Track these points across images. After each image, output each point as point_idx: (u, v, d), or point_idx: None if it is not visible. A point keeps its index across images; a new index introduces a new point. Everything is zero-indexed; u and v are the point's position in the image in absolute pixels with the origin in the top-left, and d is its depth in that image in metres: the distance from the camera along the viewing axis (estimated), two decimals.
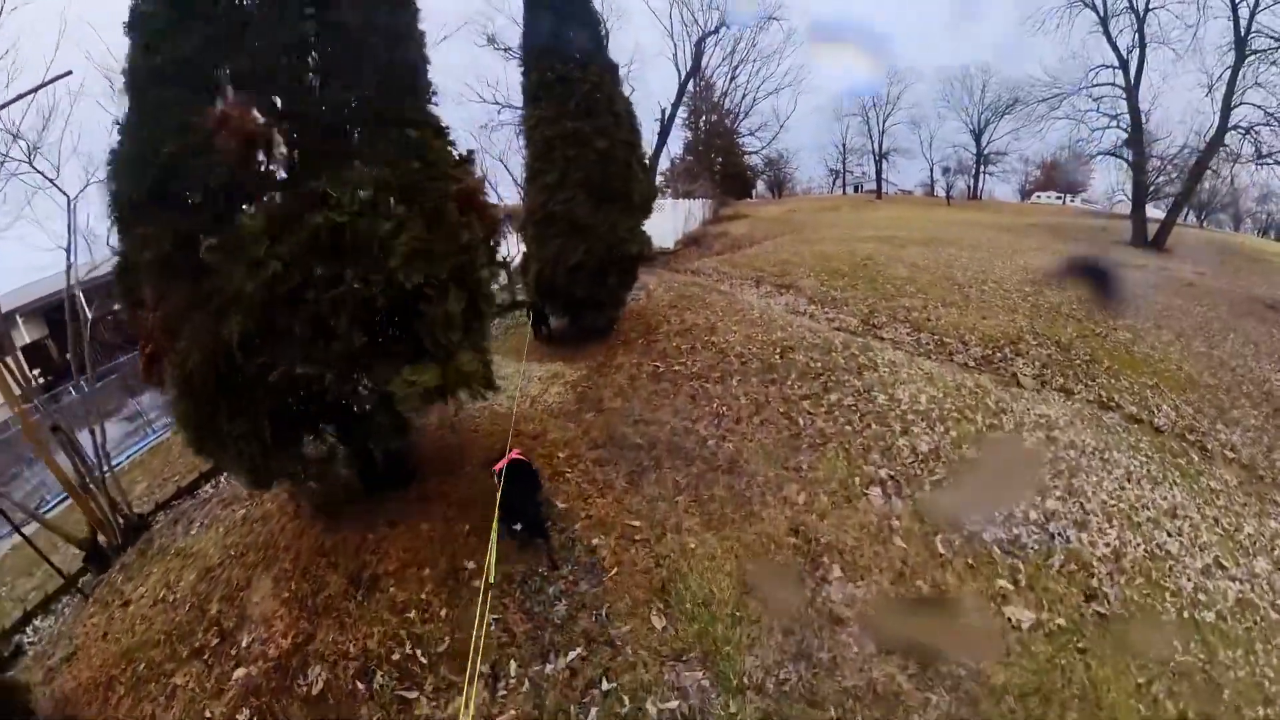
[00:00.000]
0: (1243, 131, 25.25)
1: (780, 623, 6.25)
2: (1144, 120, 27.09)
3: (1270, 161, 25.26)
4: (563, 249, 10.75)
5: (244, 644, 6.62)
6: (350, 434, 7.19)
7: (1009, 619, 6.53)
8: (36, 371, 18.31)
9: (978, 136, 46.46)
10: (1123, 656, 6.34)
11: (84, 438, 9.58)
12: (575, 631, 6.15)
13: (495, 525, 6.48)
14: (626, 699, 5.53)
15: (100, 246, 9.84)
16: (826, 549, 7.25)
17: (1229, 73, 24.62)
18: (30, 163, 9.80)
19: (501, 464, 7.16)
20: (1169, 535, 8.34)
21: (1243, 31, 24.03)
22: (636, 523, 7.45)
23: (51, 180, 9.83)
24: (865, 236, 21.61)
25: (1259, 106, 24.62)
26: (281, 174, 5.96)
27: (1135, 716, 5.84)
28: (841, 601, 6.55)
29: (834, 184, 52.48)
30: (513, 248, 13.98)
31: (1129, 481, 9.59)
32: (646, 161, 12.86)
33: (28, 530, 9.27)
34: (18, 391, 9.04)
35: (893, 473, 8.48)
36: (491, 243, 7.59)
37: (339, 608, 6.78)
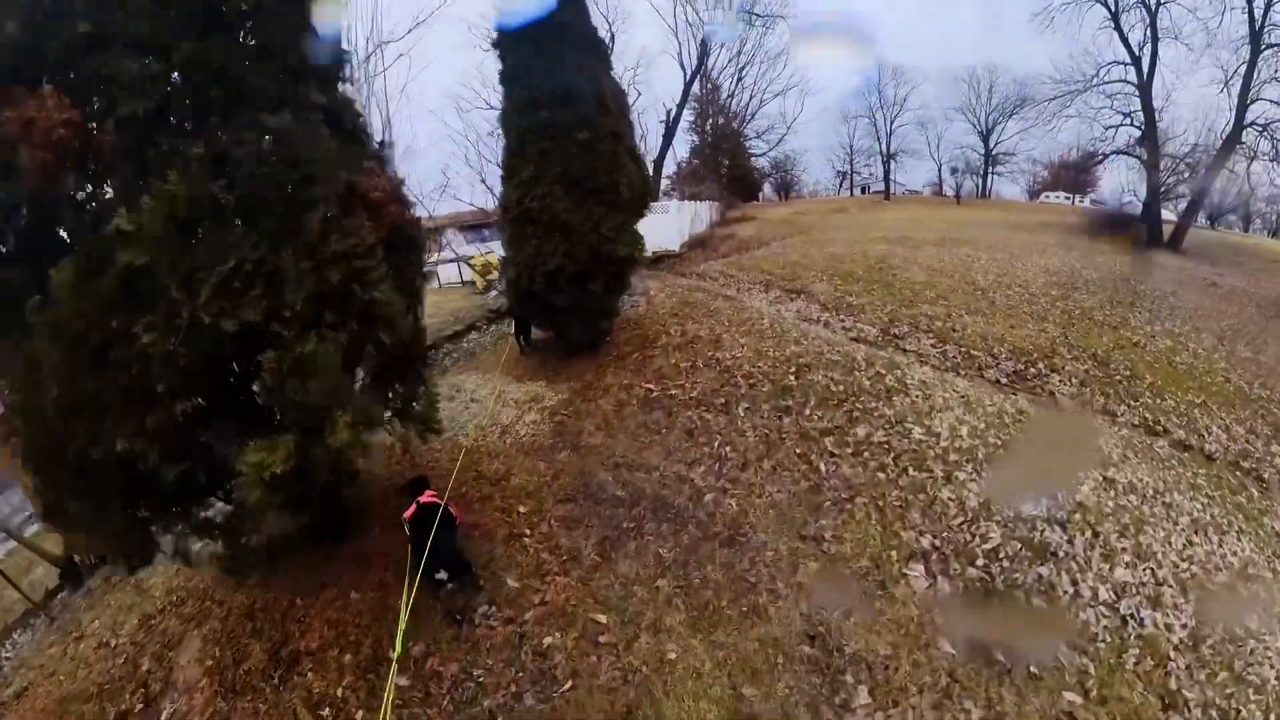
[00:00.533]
0: (1259, 129, 22.20)
1: None
2: (1157, 118, 24.09)
3: None
4: (539, 251, 8.53)
5: (164, 716, 5.65)
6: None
7: None
8: None
9: (985, 137, 42.17)
10: None
11: None
12: None
13: (405, 602, 5.19)
14: None
15: None
16: (851, 662, 5.02)
17: (1244, 68, 21.66)
18: None
19: (410, 512, 5.71)
20: (1246, 604, 6.05)
21: (1258, 25, 20.98)
22: (603, 617, 5.36)
23: None
24: (876, 237, 18.90)
25: (1276, 103, 21.57)
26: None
27: None
28: None
29: (841, 185, 48.95)
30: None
31: (1197, 534, 7.06)
32: (646, 156, 10.27)
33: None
34: None
35: (937, 540, 6.21)
36: (412, 249, 5.37)
37: (256, 688, 5.60)
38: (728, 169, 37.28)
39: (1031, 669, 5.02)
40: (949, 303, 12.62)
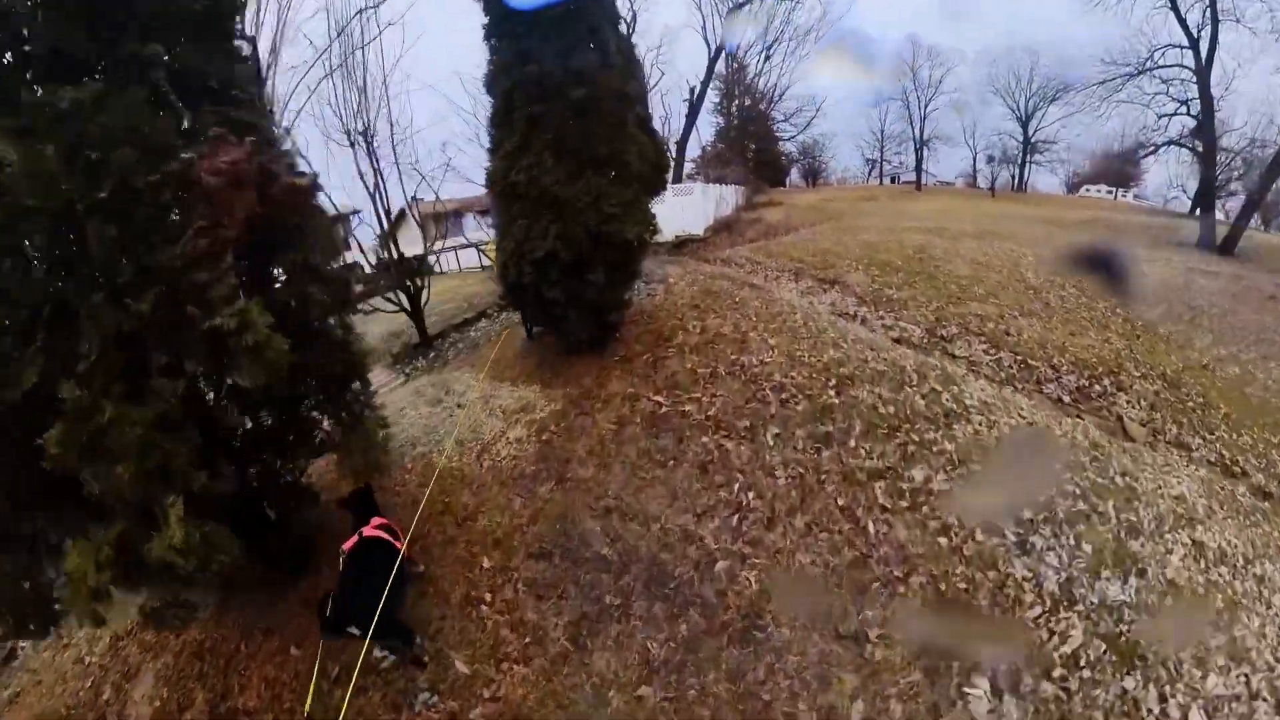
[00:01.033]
0: None
1: None
2: (1215, 108, 19.64)
3: None
4: (528, 234, 6.63)
5: None
6: None
7: None
8: None
9: (1025, 123, 35.56)
10: None
11: None
12: None
13: (317, 667, 3.87)
14: None
15: None
16: None
17: None
18: None
19: (350, 544, 4.37)
20: None
21: None
22: None
23: None
24: (911, 227, 15.81)
25: None
26: None
27: None
28: None
29: (870, 173, 42.53)
30: None
31: None
32: (669, 138, 8.01)
33: None
34: None
35: (1009, 642, 4.31)
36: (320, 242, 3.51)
37: None
38: (754, 153, 33.40)
39: None
40: (1000, 301, 10.08)
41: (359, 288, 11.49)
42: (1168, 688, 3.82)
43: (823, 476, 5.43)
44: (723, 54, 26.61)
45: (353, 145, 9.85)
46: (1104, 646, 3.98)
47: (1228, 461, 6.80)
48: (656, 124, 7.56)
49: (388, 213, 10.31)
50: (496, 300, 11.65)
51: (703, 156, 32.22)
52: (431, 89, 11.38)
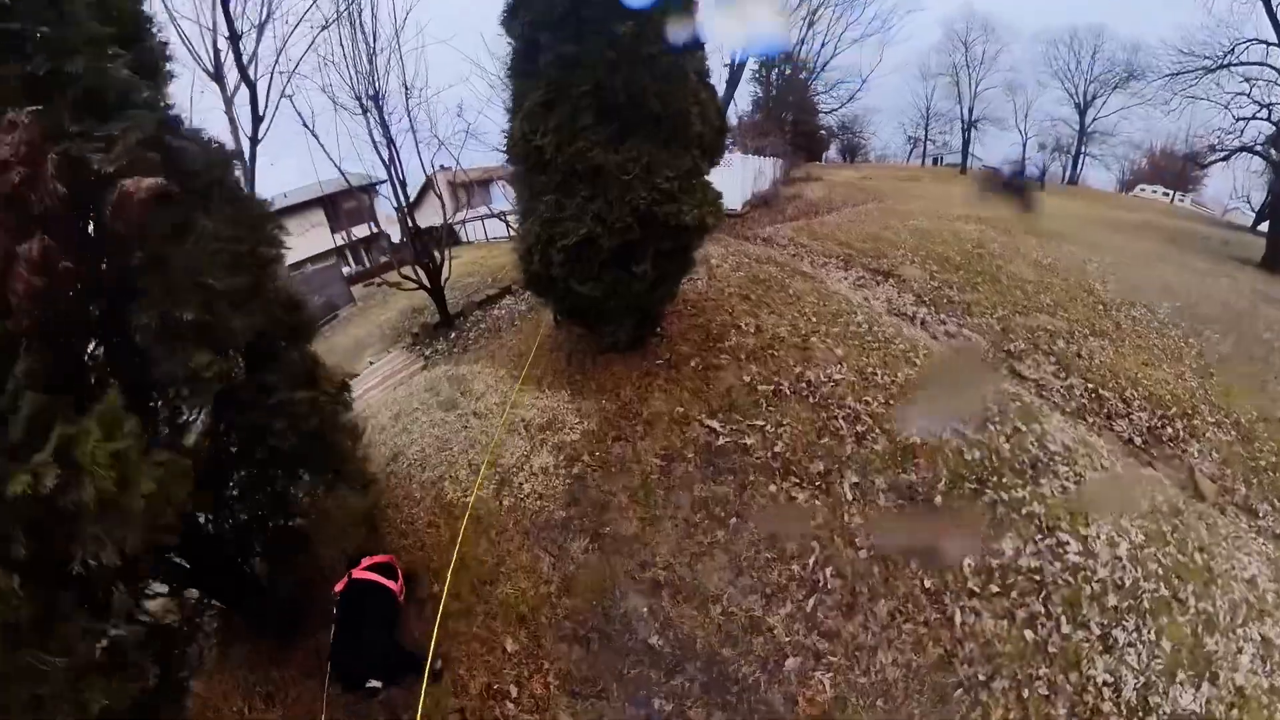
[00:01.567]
0: None
1: None
2: None
3: None
4: (557, 212, 4.80)
5: None
6: None
7: None
8: None
9: (1082, 111, 28.93)
10: None
11: None
12: None
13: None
14: None
15: None
16: None
17: None
18: None
19: (340, 586, 3.51)
20: None
21: None
22: None
23: None
24: (961, 215, 12.96)
25: None
26: None
27: None
28: None
29: (911, 153, 35.60)
30: None
31: None
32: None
33: None
34: None
35: None
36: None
37: None
38: (791, 125, 28.85)
39: None
40: (1069, 315, 8.20)
41: (383, 259, 9.70)
42: None
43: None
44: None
45: (364, 111, 7.76)
46: None
47: None
48: None
49: (403, 183, 8.40)
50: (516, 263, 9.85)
51: (739, 126, 28.16)
52: (447, 45, 8.88)
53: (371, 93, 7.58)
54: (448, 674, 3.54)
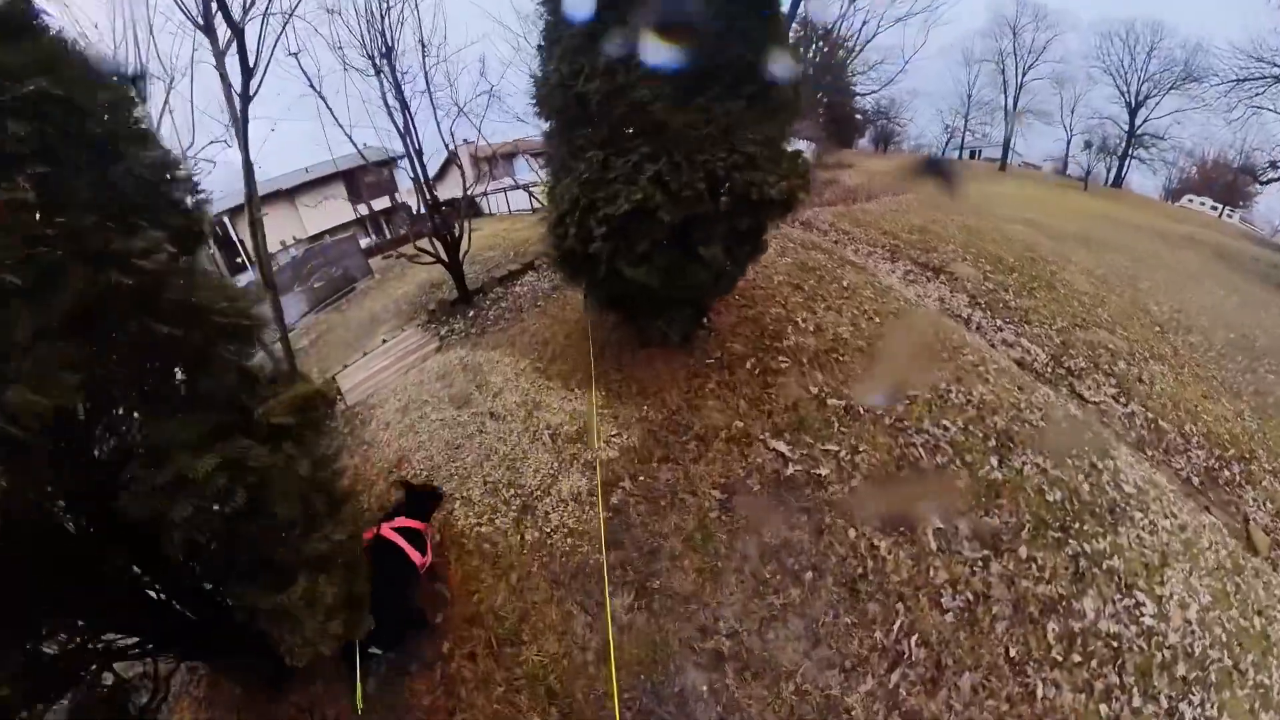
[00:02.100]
0: None
1: None
2: None
3: None
4: (602, 173, 3.32)
5: None
6: None
7: None
8: None
9: (1133, 111, 24.67)
10: None
11: None
12: None
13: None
14: None
15: None
16: None
17: None
18: None
19: (368, 536, 2.95)
20: None
21: None
22: None
23: None
24: (1007, 216, 11.37)
25: None
26: None
27: None
28: None
29: (947, 144, 30.80)
30: None
31: None
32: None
33: None
34: None
35: None
36: None
37: None
38: (826, 108, 25.36)
39: None
40: (1129, 335, 6.93)
41: (401, 230, 8.23)
42: None
43: (994, 607, 3.11)
44: None
45: (378, 72, 6.08)
46: None
47: None
48: None
49: (419, 153, 6.73)
50: (547, 250, 8.40)
51: None
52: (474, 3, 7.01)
53: (384, 49, 5.94)
54: None
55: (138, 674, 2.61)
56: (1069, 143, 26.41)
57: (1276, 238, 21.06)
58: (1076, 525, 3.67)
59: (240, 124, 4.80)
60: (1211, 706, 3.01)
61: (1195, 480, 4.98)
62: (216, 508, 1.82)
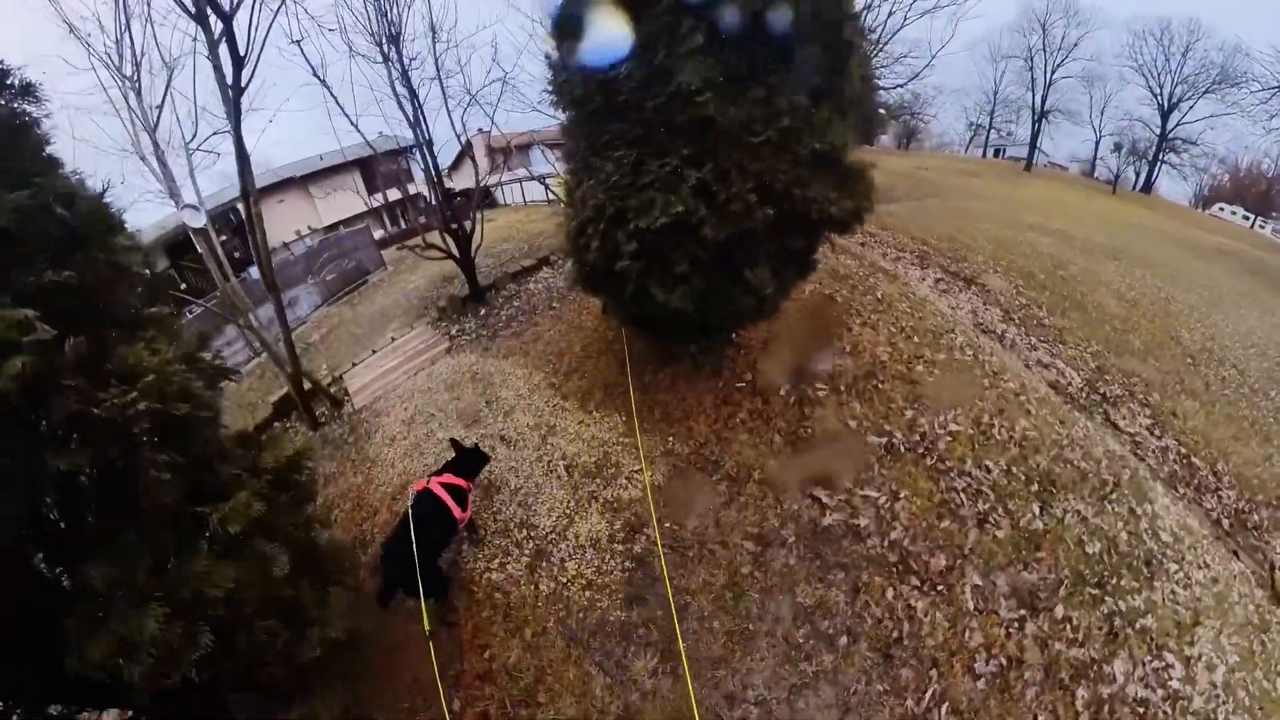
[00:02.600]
0: None
1: None
2: None
3: None
4: (634, 178, 2.73)
5: None
6: None
7: None
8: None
9: (1165, 114, 22.38)
10: None
11: None
12: None
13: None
14: None
15: None
16: None
17: None
18: None
19: (417, 487, 2.97)
20: None
21: None
22: None
23: None
24: (1034, 223, 10.34)
25: None
26: None
27: None
28: None
29: (971, 141, 28.36)
30: None
31: None
32: None
33: None
34: None
35: None
36: None
37: None
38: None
39: None
40: (1160, 365, 6.33)
41: (420, 219, 7.63)
42: None
43: (1026, 673, 2.77)
44: None
45: (385, 59, 5.33)
46: None
47: None
48: None
49: (429, 143, 5.95)
50: (563, 244, 7.79)
51: None
52: None
53: (391, 34, 5.20)
54: None
55: None
56: (1097, 144, 24.29)
57: None
58: (1114, 581, 3.25)
59: (233, 116, 4.22)
60: None
61: (1225, 523, 4.44)
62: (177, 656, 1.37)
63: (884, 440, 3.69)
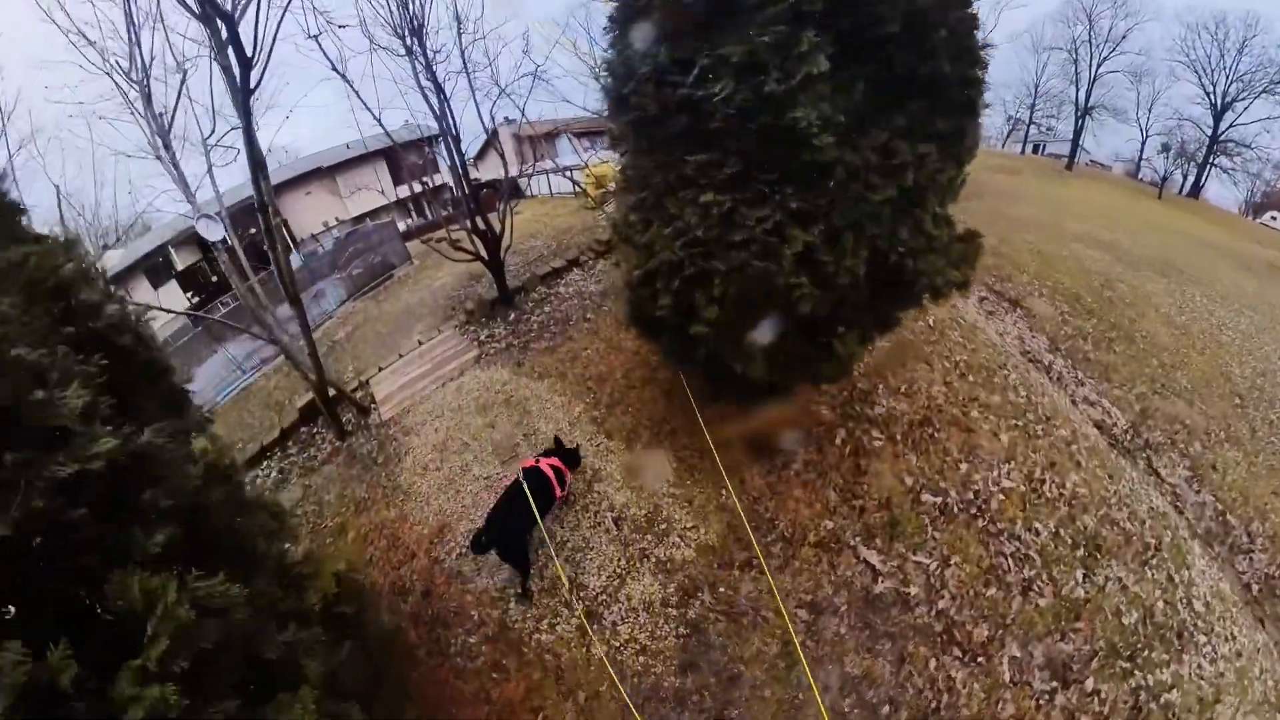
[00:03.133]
0: None
1: None
2: None
3: None
4: (724, 230, 2.08)
5: None
6: None
7: None
8: (189, 293, 12.78)
9: (1217, 114, 19.93)
10: None
11: None
12: None
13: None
14: None
15: None
16: None
17: None
18: None
19: (527, 464, 3.19)
20: None
21: None
22: None
23: None
24: (1078, 232, 9.45)
25: None
26: None
27: None
28: None
29: (1009, 136, 25.69)
30: None
31: None
32: None
33: None
34: None
35: None
36: None
37: None
38: None
39: None
40: (1206, 408, 5.84)
41: (445, 211, 7.02)
42: None
43: None
44: None
45: (409, 51, 4.62)
46: None
47: None
48: None
49: (456, 139, 5.26)
50: (594, 243, 7.20)
51: None
52: None
53: (414, 25, 4.46)
54: None
55: None
56: (1143, 144, 21.56)
57: None
58: (1145, 654, 3.14)
59: (243, 119, 3.64)
60: None
61: (1255, 588, 4.28)
62: None
63: (939, 500, 3.44)
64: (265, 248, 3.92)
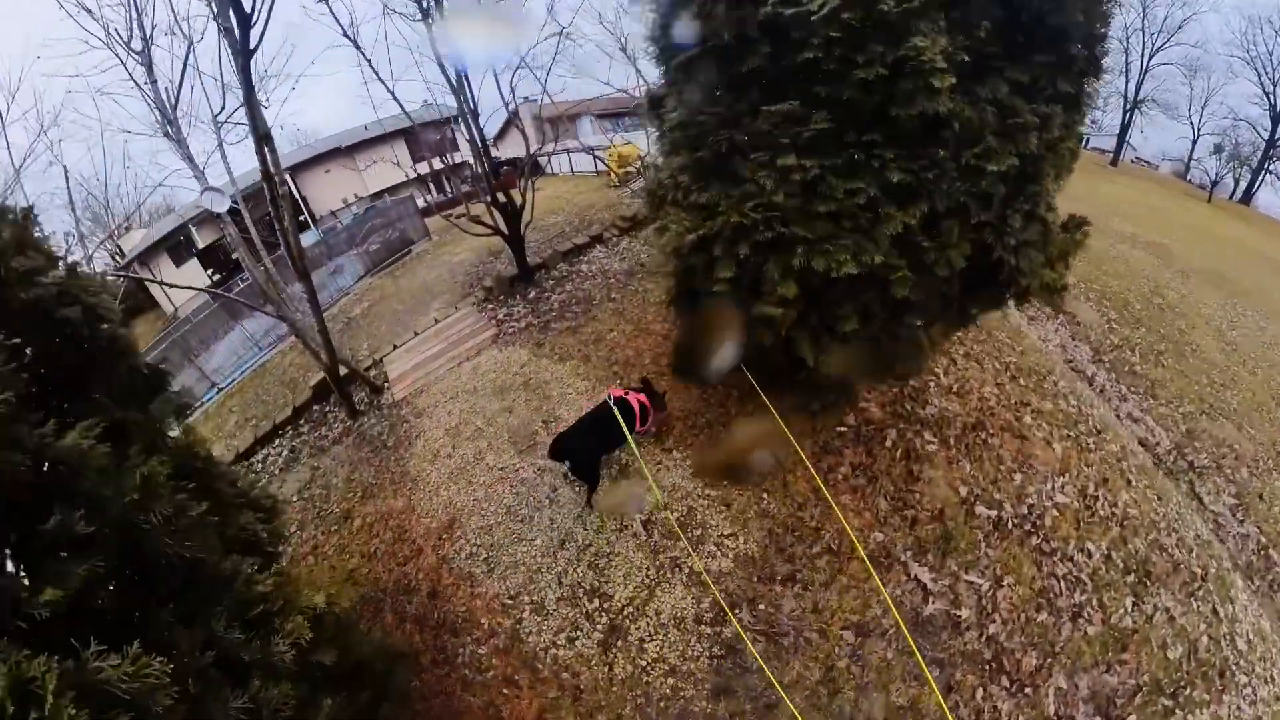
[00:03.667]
0: None
1: None
2: None
3: None
4: (804, 200, 1.53)
5: None
6: None
7: None
8: (210, 270, 12.63)
9: (1276, 117, 17.26)
10: None
11: None
12: None
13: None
14: None
15: None
16: None
17: None
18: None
19: (615, 393, 3.11)
20: None
21: None
22: None
23: None
24: (1125, 232, 8.64)
25: None
26: None
27: None
28: None
29: None
30: None
31: None
32: None
33: None
34: None
35: None
36: None
37: None
38: None
39: None
40: (1255, 433, 5.24)
41: (464, 187, 6.49)
42: None
43: None
44: None
45: (425, 15, 4.09)
46: None
47: None
48: None
49: (474, 113, 4.77)
50: (618, 220, 6.66)
51: None
52: None
53: None
54: None
55: None
56: (1194, 143, 18.83)
57: None
58: (1187, 691, 2.76)
59: (244, 83, 3.14)
60: None
61: None
62: None
63: (994, 514, 3.02)
64: (272, 219, 3.48)
